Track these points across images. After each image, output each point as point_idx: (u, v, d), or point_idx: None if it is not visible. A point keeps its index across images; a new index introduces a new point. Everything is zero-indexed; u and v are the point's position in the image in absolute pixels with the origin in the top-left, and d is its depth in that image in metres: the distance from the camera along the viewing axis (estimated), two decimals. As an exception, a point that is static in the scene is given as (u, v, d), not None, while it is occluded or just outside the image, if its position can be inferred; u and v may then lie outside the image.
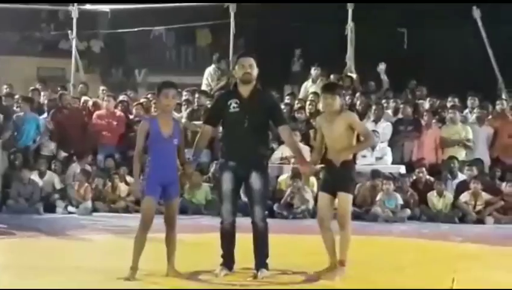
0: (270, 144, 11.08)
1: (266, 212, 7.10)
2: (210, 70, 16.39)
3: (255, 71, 6.82)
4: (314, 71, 15.62)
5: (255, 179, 6.75)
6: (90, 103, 14.71)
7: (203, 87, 15.86)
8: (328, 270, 6.86)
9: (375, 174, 12.41)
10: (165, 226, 6.80)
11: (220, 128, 7.22)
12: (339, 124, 6.80)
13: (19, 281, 6.62)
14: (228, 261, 6.90)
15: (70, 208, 12.48)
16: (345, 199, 6.83)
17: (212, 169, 12.88)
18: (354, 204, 11.38)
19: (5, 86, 15.07)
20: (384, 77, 15.13)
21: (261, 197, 6.80)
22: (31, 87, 15.36)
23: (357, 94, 14.66)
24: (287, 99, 15.12)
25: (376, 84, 15.54)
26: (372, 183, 12.36)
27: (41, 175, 12.94)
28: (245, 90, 6.82)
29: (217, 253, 6.96)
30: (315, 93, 14.08)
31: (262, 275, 6.73)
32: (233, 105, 6.79)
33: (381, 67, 15.07)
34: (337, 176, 6.83)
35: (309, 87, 15.56)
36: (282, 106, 14.08)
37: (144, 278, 6.66)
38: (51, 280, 6.59)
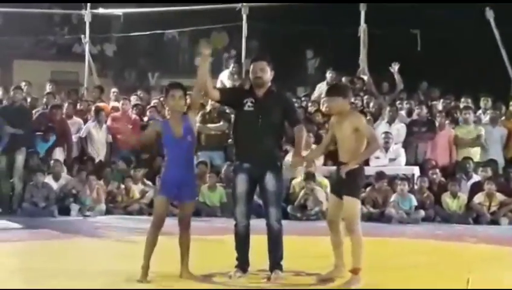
0: (284, 146, 11.06)
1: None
2: (226, 73, 16.34)
3: (266, 75, 6.87)
4: (329, 75, 15.60)
5: (269, 181, 6.76)
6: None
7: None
8: (332, 273, 6.80)
9: (380, 176, 12.36)
10: (179, 227, 6.85)
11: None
12: (346, 126, 6.73)
13: (33, 284, 6.63)
14: (242, 263, 6.90)
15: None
16: (349, 203, 6.65)
17: (223, 170, 12.86)
18: (363, 204, 11.51)
19: (23, 83, 15.04)
20: (397, 77, 15.03)
21: (275, 198, 6.81)
22: (46, 91, 15.37)
23: (366, 96, 14.67)
24: (303, 100, 15.12)
25: (390, 86, 15.51)
26: (378, 185, 12.33)
27: (56, 178, 12.99)
28: (260, 92, 6.90)
29: (231, 255, 6.97)
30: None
31: (276, 277, 6.74)
32: (248, 104, 6.84)
33: (395, 67, 14.99)
34: (342, 179, 6.68)
35: (323, 89, 15.52)
36: (297, 107, 14.17)
37: (158, 280, 6.68)
38: (65, 283, 6.62)
